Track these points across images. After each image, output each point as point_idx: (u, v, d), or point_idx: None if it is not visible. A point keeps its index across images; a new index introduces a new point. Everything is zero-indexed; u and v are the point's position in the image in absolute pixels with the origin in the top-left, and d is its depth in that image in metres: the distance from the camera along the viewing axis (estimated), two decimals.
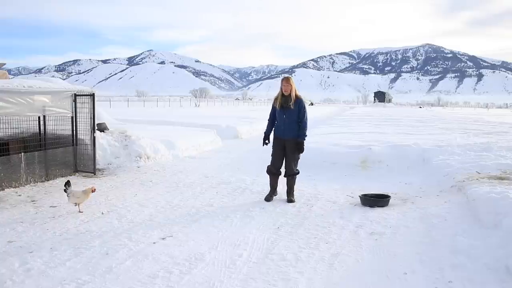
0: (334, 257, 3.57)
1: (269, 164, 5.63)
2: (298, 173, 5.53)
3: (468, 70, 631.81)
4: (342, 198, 5.74)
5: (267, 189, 5.87)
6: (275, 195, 5.65)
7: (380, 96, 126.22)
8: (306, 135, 5.43)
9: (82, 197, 4.88)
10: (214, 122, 16.39)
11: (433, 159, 7.71)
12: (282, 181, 5.66)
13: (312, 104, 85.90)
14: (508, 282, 3.03)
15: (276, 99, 5.42)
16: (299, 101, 5.31)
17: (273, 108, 5.49)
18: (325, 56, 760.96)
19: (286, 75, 5.74)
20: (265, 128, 5.67)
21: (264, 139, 5.62)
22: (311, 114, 33.03)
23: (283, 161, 5.57)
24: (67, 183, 4.97)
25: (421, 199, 5.66)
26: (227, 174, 7.42)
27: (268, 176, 5.69)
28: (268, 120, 5.64)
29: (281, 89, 5.33)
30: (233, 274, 3.21)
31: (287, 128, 5.33)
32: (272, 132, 5.62)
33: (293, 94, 5.26)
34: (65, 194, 4.92)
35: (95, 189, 5.01)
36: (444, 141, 9.75)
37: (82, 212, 4.84)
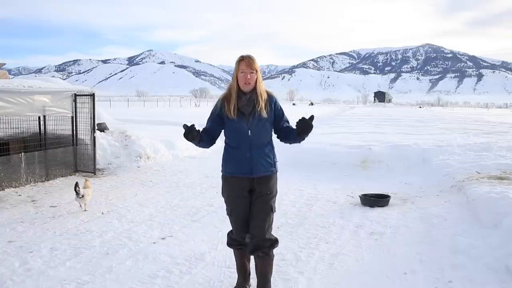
0: (334, 257, 3.57)
1: (230, 231, 2.95)
2: (277, 244, 2.79)
3: (468, 70, 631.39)
4: (342, 198, 5.74)
5: None
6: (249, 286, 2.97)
7: (380, 96, 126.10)
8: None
9: (91, 193, 5.01)
10: None
11: (433, 159, 7.71)
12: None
13: (312, 104, 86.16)
14: (508, 282, 3.03)
15: (226, 99, 2.70)
16: (274, 100, 2.74)
17: (215, 119, 2.85)
18: (325, 56, 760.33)
19: (245, 54, 2.65)
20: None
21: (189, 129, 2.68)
22: (312, 114, 32.77)
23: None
24: (77, 185, 4.91)
25: (421, 199, 5.65)
26: None
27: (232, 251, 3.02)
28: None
29: (237, 80, 2.64)
30: (233, 274, 3.20)
31: (257, 155, 2.72)
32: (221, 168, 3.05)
33: (260, 88, 2.65)
34: (68, 194, 4.92)
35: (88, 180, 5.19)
36: (444, 141, 9.76)
37: (87, 210, 4.85)
